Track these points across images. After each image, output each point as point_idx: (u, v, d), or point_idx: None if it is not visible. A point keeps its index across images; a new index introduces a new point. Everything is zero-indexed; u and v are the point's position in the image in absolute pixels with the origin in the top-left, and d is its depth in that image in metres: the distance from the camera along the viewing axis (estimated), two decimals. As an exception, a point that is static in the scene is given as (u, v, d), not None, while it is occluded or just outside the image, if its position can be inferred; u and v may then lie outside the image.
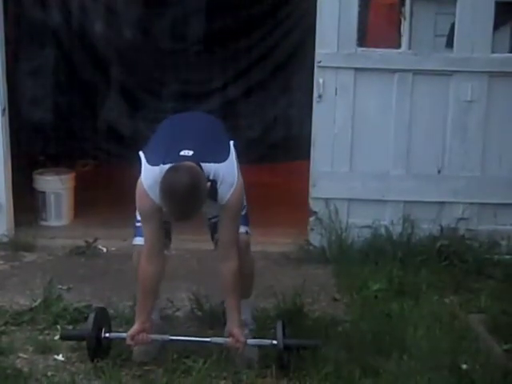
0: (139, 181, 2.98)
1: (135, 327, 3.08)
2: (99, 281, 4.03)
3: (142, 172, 2.98)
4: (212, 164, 2.91)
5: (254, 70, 5.32)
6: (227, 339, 3.08)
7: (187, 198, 2.76)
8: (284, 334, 3.07)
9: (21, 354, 3.22)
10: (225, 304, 3.18)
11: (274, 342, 3.05)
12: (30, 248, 4.48)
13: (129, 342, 3.08)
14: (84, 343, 3.14)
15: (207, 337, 3.16)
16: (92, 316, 3.14)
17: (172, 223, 3.20)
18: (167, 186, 2.79)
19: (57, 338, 3.35)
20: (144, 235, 3.06)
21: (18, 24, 5.14)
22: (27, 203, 4.94)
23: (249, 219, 3.24)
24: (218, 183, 2.92)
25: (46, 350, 3.24)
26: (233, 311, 3.09)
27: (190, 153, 2.90)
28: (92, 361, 3.11)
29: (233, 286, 3.06)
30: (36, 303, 3.62)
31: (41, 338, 3.36)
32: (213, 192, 2.93)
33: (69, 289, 3.88)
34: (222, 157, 2.97)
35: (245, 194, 3.19)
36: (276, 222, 4.84)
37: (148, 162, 2.97)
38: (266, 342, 3.11)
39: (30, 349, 3.26)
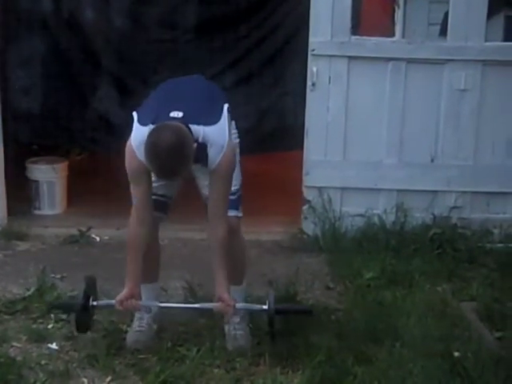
0: (129, 141, 2.96)
1: (124, 292, 3.05)
2: (92, 270, 3.98)
3: (132, 132, 2.97)
4: (201, 127, 2.89)
5: (247, 58, 5.30)
6: (216, 304, 3.05)
7: (170, 156, 2.74)
8: (274, 300, 3.04)
9: (14, 343, 3.21)
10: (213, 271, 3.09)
11: (264, 306, 3.03)
12: (23, 237, 4.47)
13: (118, 307, 3.05)
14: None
15: (196, 303, 3.13)
16: (82, 288, 3.11)
17: (170, 200, 3.21)
18: (151, 143, 2.77)
19: (50, 326, 3.36)
20: (133, 197, 3.03)
21: (8, 12, 5.09)
22: (20, 192, 4.93)
23: (240, 203, 3.22)
24: (208, 146, 2.89)
25: (40, 338, 3.24)
26: (221, 276, 3.03)
27: (180, 114, 2.88)
28: (78, 331, 3.11)
29: (221, 252, 3.02)
30: (29, 292, 3.61)
31: (34, 326, 3.35)
32: (204, 156, 2.90)
33: (62, 277, 3.88)
34: (212, 119, 2.94)
35: (241, 174, 3.19)
36: (269, 210, 4.84)
37: (139, 121, 2.96)
38: (257, 307, 3.09)
39: (24, 338, 3.26)
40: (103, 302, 3.19)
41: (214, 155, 2.91)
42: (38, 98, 5.21)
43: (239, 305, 3.10)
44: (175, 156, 2.75)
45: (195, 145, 2.84)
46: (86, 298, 3.10)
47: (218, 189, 2.99)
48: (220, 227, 3.01)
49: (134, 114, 3.01)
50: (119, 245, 4.09)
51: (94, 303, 3.14)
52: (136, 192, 3.01)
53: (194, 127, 2.87)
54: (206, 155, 2.91)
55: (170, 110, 2.90)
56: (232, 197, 3.10)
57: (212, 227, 3.02)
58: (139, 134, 2.91)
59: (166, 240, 4.14)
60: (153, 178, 3.07)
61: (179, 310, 3.51)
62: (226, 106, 3.03)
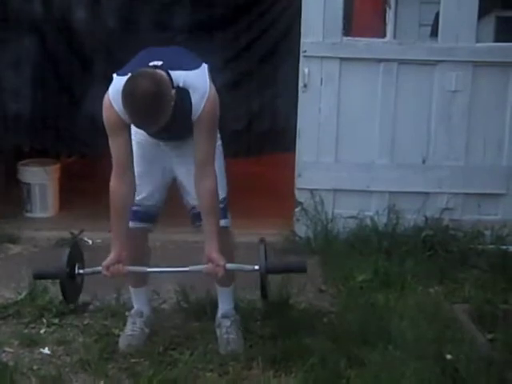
0: (106, 94, 2.91)
1: (110, 257, 2.96)
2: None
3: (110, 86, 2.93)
4: (181, 72, 2.84)
5: (238, 60, 5.29)
6: (206, 266, 2.95)
7: (147, 102, 2.67)
8: (266, 257, 2.96)
9: (6, 348, 3.20)
10: (203, 228, 3.01)
11: (256, 266, 2.95)
12: (14, 240, 4.46)
13: (104, 272, 2.97)
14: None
15: (185, 266, 3.03)
16: (66, 253, 3.02)
17: (159, 209, 3.20)
18: (127, 89, 2.71)
19: (42, 331, 3.35)
20: (112, 153, 2.95)
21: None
22: (12, 195, 4.91)
23: (228, 211, 3.18)
24: (191, 92, 2.84)
25: (32, 343, 3.23)
26: (211, 235, 2.94)
27: (160, 63, 2.83)
28: (66, 301, 3.07)
29: (210, 206, 2.95)
30: (21, 296, 3.60)
31: (26, 331, 3.35)
32: (188, 104, 2.83)
33: (54, 281, 3.86)
34: (192, 65, 2.91)
35: (226, 182, 3.16)
36: (262, 212, 4.84)
37: (118, 74, 2.90)
38: (248, 267, 2.99)
39: (16, 342, 3.25)
40: (89, 269, 3.09)
41: (198, 101, 2.84)
42: (28, 100, 5.18)
43: (229, 265, 2.98)
44: (152, 102, 2.68)
45: (174, 91, 2.76)
46: (72, 265, 3.02)
47: (202, 141, 2.91)
48: (209, 180, 2.93)
49: (114, 75, 2.94)
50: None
51: (81, 271, 3.06)
52: (114, 148, 2.94)
53: (174, 73, 2.81)
54: (190, 103, 2.84)
55: (150, 61, 2.86)
56: (220, 205, 3.05)
57: (199, 180, 2.94)
58: (117, 84, 2.84)
59: (158, 242, 4.14)
60: (138, 181, 3.04)
61: (171, 313, 3.52)
62: (206, 65, 2.97)
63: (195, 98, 2.85)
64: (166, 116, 2.74)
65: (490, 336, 3.27)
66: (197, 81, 2.87)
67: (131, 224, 3.10)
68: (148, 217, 3.17)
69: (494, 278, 3.94)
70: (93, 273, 3.07)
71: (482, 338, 3.26)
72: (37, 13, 5.19)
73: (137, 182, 3.02)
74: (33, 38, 5.18)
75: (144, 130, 2.87)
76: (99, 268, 2.99)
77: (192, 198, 3.10)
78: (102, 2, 5.35)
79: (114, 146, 2.93)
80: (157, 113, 2.72)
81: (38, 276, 3.24)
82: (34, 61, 5.20)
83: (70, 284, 3.05)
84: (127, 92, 2.71)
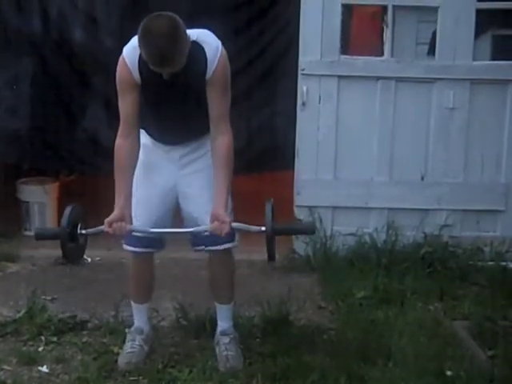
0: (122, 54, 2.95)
1: (114, 213, 2.91)
2: (84, 291, 4.01)
3: None
4: (196, 30, 2.90)
5: (239, 77, 5.31)
6: (211, 224, 2.90)
7: (164, 36, 2.69)
8: (273, 218, 2.90)
9: (5, 366, 3.18)
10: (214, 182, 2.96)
11: (263, 228, 2.90)
12: (13, 258, 4.45)
13: (106, 228, 2.90)
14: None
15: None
16: (67, 212, 2.96)
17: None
18: (145, 27, 2.72)
19: (41, 349, 3.33)
20: (120, 109, 2.98)
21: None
22: (11, 213, 4.91)
23: (235, 234, 3.15)
24: (206, 48, 2.88)
25: (30, 361, 3.21)
26: (220, 191, 2.92)
27: None
28: (68, 261, 3.02)
29: (225, 160, 2.94)
30: (20, 314, 3.58)
31: (25, 349, 3.33)
32: (203, 60, 2.86)
33: (53, 299, 3.86)
34: (204, 29, 2.97)
35: (232, 203, 3.15)
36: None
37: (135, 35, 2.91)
38: (254, 228, 2.93)
39: (14, 360, 3.22)
40: (92, 229, 3.03)
41: (212, 56, 2.88)
42: (25, 119, 5.19)
43: (235, 224, 2.93)
44: (169, 38, 2.70)
45: (189, 39, 2.80)
46: (73, 225, 2.97)
47: (217, 98, 2.93)
48: (225, 135, 2.95)
49: None
50: (110, 266, 4.09)
51: (83, 231, 3.02)
52: (122, 106, 2.96)
53: (188, 30, 2.83)
54: (205, 58, 2.87)
55: None
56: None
57: (216, 136, 2.95)
58: (133, 41, 2.87)
59: (158, 260, 4.11)
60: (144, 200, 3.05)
61: (170, 330, 3.51)
62: None
63: (209, 53, 2.88)
64: (181, 57, 2.76)
65: (490, 352, 3.26)
66: (209, 38, 2.93)
67: (135, 249, 3.14)
68: (152, 243, 3.16)
69: (493, 295, 3.93)
70: (95, 232, 3.00)
71: (482, 354, 3.24)
72: (36, 31, 5.21)
73: (141, 210, 3.03)
74: (32, 57, 5.19)
75: (160, 70, 2.81)
76: (102, 227, 2.93)
77: (192, 221, 3.08)
78: (100, 20, 5.38)
79: (123, 103, 2.97)
80: (173, 48, 2.72)
81: (40, 236, 3.18)
82: (32, 79, 5.20)
83: (72, 244, 2.98)
84: (145, 29, 2.73)
